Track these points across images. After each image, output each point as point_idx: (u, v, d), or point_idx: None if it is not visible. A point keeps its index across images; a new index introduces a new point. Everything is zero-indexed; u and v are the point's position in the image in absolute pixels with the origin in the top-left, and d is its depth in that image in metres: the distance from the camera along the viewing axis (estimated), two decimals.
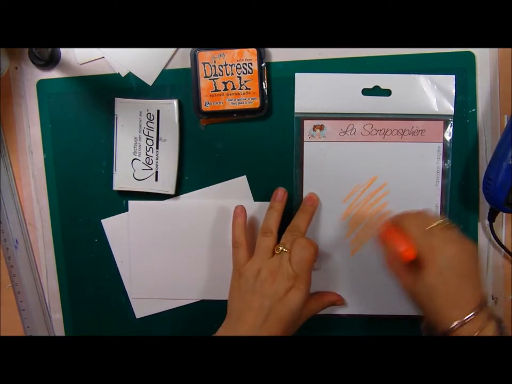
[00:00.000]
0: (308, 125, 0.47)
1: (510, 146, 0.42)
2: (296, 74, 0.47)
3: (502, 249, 0.48)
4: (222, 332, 0.43)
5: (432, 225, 0.39)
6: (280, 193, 0.47)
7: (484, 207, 0.48)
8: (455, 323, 0.36)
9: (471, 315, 0.36)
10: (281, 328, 0.41)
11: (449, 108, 0.46)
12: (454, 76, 0.46)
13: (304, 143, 0.48)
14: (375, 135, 0.47)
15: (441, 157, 0.47)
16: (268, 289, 0.42)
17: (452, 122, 0.47)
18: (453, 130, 0.47)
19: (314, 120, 0.47)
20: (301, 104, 0.47)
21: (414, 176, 0.47)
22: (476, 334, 0.36)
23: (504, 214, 0.48)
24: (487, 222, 0.47)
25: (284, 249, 0.43)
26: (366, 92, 0.47)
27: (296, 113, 0.47)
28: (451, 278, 0.38)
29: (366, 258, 0.49)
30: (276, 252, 0.43)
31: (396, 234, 0.40)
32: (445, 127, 0.47)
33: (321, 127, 0.47)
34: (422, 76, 0.46)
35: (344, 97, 0.47)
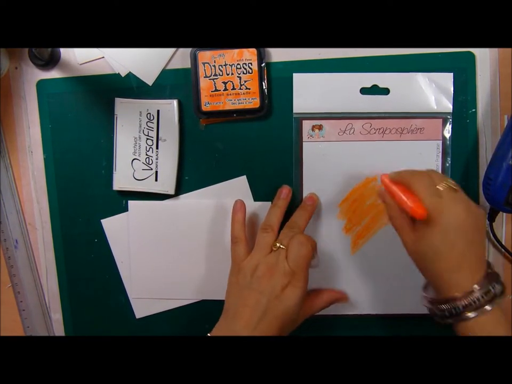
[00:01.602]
0: (306, 125, 0.47)
1: (510, 146, 0.42)
2: (294, 75, 0.47)
3: (502, 249, 0.48)
4: (218, 327, 0.43)
5: (440, 185, 0.38)
6: (285, 191, 0.47)
7: (484, 207, 0.48)
8: (460, 294, 0.36)
9: (477, 288, 0.36)
10: (278, 325, 0.41)
11: (448, 106, 0.46)
12: (452, 73, 0.46)
13: (303, 143, 0.48)
14: (374, 134, 0.47)
15: (440, 154, 0.47)
16: (265, 286, 0.42)
17: (450, 119, 0.47)
18: (451, 127, 0.47)
19: (313, 120, 0.47)
20: (299, 104, 0.47)
21: None
22: (476, 311, 0.36)
23: (504, 214, 0.48)
24: (487, 222, 0.47)
25: (281, 246, 0.43)
26: (364, 91, 0.47)
27: (294, 113, 0.47)
28: (457, 241, 0.36)
29: (366, 257, 0.49)
30: (273, 248, 0.43)
31: (404, 190, 0.39)
32: (444, 125, 0.47)
33: (320, 127, 0.47)
34: (420, 74, 0.46)
35: (342, 97, 0.47)
